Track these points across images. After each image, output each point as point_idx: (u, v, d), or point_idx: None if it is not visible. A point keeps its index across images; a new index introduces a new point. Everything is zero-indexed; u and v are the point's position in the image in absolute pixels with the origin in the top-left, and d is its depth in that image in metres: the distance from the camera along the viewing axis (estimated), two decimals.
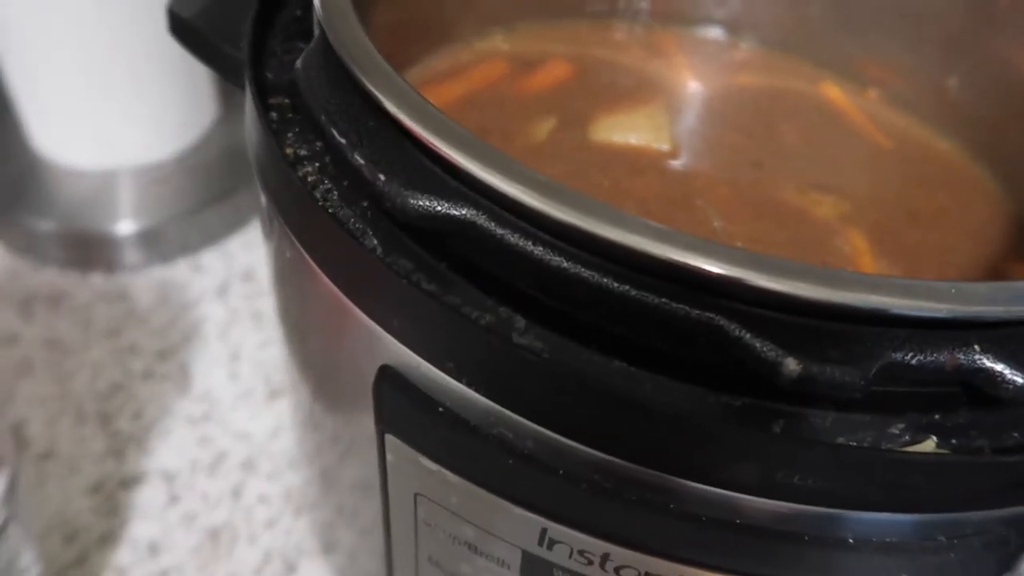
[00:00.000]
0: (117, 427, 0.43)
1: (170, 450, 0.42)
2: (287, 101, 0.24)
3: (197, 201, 0.52)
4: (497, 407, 0.18)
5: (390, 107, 0.19)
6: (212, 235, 0.53)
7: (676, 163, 0.32)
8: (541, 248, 0.17)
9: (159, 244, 0.52)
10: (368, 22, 0.28)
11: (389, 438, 0.19)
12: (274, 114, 0.24)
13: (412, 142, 0.19)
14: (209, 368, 0.46)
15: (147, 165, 0.53)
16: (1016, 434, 0.18)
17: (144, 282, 0.50)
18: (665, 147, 0.32)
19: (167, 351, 0.47)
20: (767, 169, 0.32)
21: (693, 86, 0.37)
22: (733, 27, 0.39)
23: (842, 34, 0.36)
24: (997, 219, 0.31)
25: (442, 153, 0.18)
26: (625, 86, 0.35)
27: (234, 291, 0.51)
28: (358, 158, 0.19)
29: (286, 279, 0.23)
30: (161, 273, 0.51)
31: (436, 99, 0.33)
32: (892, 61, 0.35)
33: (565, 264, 0.17)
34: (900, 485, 0.17)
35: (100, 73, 0.48)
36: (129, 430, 0.43)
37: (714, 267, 0.16)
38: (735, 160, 0.33)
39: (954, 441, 0.18)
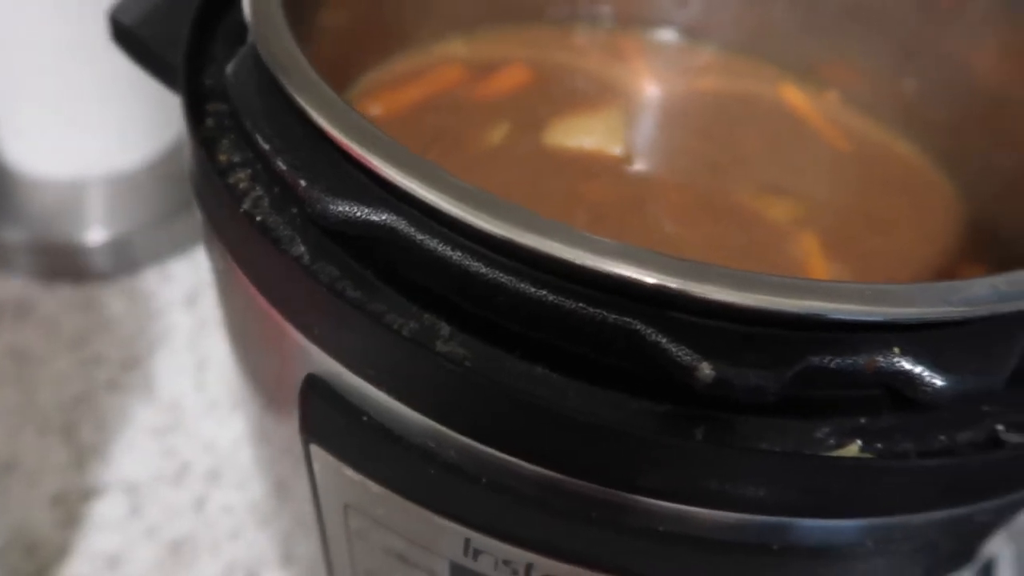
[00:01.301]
0: (80, 438, 0.42)
1: (133, 461, 0.42)
2: (224, 107, 0.24)
3: (166, 209, 0.52)
4: (418, 416, 0.18)
5: (311, 113, 0.18)
6: (181, 243, 0.53)
7: (631, 167, 0.32)
8: (460, 254, 0.17)
9: (128, 253, 0.52)
10: (313, 26, 0.28)
11: (314, 448, 0.19)
12: (211, 120, 0.24)
13: (335, 148, 0.18)
14: (175, 378, 0.46)
15: (116, 173, 0.52)
16: (942, 437, 0.18)
17: (112, 291, 0.50)
18: (619, 151, 0.32)
19: (133, 361, 0.47)
20: (724, 173, 0.32)
21: (652, 90, 0.36)
22: (694, 30, 0.39)
23: (802, 36, 0.36)
24: (953, 223, 0.31)
25: (360, 158, 0.17)
26: (583, 90, 0.35)
27: (203, 300, 0.50)
28: (281, 164, 0.19)
29: (222, 288, 0.23)
30: (129, 282, 0.51)
31: (392, 103, 0.34)
32: (851, 63, 0.35)
33: (484, 270, 0.17)
34: (825, 490, 0.17)
35: (66, 82, 0.48)
36: (92, 441, 0.42)
37: (628, 271, 0.16)
38: (692, 164, 0.33)
39: (879, 445, 0.17)
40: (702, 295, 0.15)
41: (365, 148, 0.17)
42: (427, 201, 0.17)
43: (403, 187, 0.17)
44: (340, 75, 0.32)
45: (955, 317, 0.16)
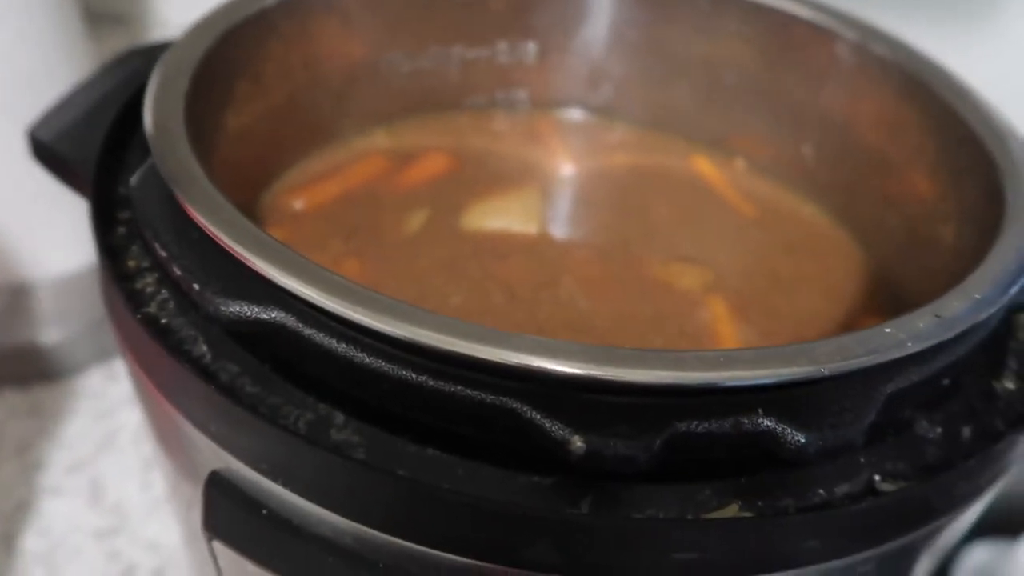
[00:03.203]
0: (23, 546, 0.42)
1: (78, 567, 0.41)
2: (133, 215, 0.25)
3: None
4: (314, 507, 0.18)
5: (202, 221, 0.19)
6: None
7: (546, 245, 0.33)
8: (345, 345, 0.18)
9: (74, 354, 0.52)
10: (224, 132, 0.29)
11: (216, 544, 0.20)
12: (122, 228, 0.25)
13: (225, 253, 0.19)
14: (122, 479, 0.46)
15: (61, 276, 0.53)
16: (821, 491, 0.19)
17: (58, 394, 0.50)
18: (533, 230, 0.33)
19: (78, 463, 0.46)
20: (636, 245, 0.33)
21: (568, 168, 0.38)
22: (607, 110, 0.40)
23: (706, 111, 0.38)
24: (856, 279, 0.32)
25: (245, 260, 0.18)
26: (501, 173, 0.37)
27: None
28: (176, 269, 0.20)
29: (135, 390, 0.24)
30: (75, 383, 0.51)
31: (314, 198, 0.35)
32: (753, 132, 0.37)
33: (368, 360, 0.18)
34: (709, 551, 0.18)
35: (9, 186, 0.49)
36: (35, 549, 0.42)
37: (492, 355, 0.16)
38: (605, 238, 0.34)
39: (759, 503, 0.18)
40: (559, 371, 0.16)
41: (248, 250, 0.18)
42: (305, 297, 0.18)
43: (284, 285, 0.18)
44: (260, 174, 0.33)
45: (804, 377, 0.17)
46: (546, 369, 0.16)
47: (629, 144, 0.40)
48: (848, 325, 0.30)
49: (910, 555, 0.19)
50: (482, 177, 0.37)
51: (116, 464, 0.46)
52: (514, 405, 0.17)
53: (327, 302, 0.17)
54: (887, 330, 0.18)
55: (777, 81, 0.35)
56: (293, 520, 0.19)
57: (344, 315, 0.17)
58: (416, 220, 0.33)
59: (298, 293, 0.18)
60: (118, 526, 0.43)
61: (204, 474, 0.20)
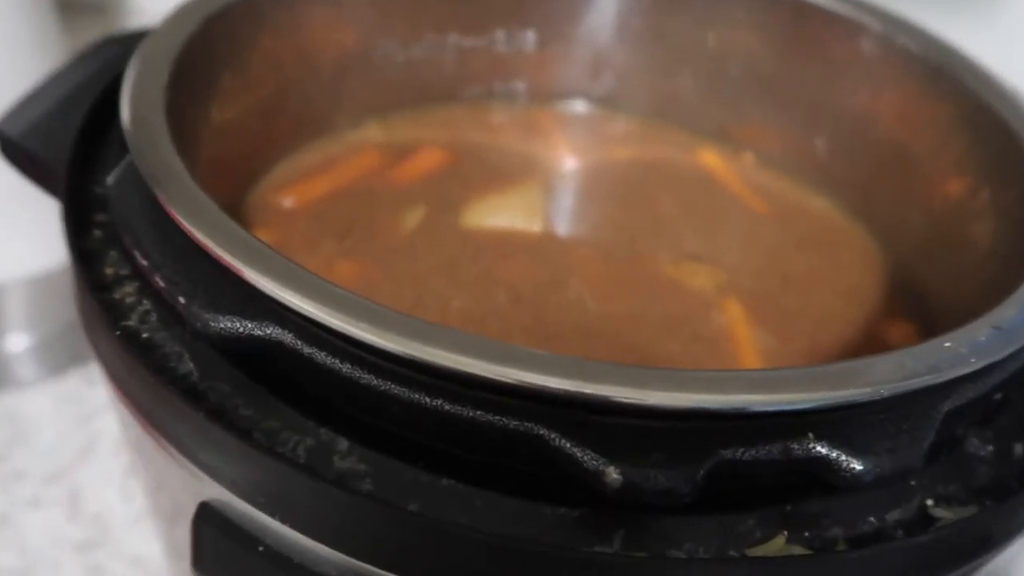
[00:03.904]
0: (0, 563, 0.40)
1: None
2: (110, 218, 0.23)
3: None
4: (317, 544, 0.17)
5: (187, 225, 0.17)
6: None
7: (550, 243, 0.31)
8: (350, 365, 0.16)
9: (51, 358, 0.49)
10: (208, 125, 0.27)
11: None
12: (98, 232, 0.23)
13: (214, 261, 0.17)
14: (102, 488, 0.44)
15: (35, 276, 0.50)
16: (872, 518, 0.17)
17: (35, 399, 0.48)
18: (537, 228, 0.32)
19: (56, 473, 0.44)
20: (644, 242, 0.32)
21: (570, 162, 0.36)
22: (609, 101, 0.39)
23: (713, 101, 0.37)
24: (874, 279, 0.31)
25: (237, 270, 0.16)
26: (500, 168, 0.35)
27: None
28: (159, 280, 0.18)
29: (113, 408, 0.22)
30: (53, 388, 0.48)
31: (305, 194, 0.33)
32: (762, 124, 0.36)
33: (376, 381, 0.16)
34: None
35: None
36: (13, 565, 0.40)
37: (520, 376, 0.15)
38: (611, 236, 0.32)
39: (807, 533, 0.17)
40: (593, 394, 0.14)
41: (241, 260, 0.16)
42: (305, 312, 0.16)
43: (281, 299, 0.16)
44: (245, 170, 0.31)
45: (862, 400, 0.15)
46: (581, 393, 0.14)
47: (632, 137, 0.38)
48: (868, 328, 0.29)
49: None
50: (480, 172, 0.35)
51: (96, 473, 0.44)
52: (541, 431, 0.15)
53: (330, 318, 0.15)
54: (947, 344, 0.16)
55: (789, 72, 0.34)
56: (293, 558, 0.17)
57: (349, 332, 0.15)
58: (413, 218, 0.31)
59: (297, 308, 0.16)
60: (99, 539, 0.41)
61: (192, 506, 0.18)
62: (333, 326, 0.15)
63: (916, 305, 0.29)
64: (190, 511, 0.19)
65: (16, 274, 0.50)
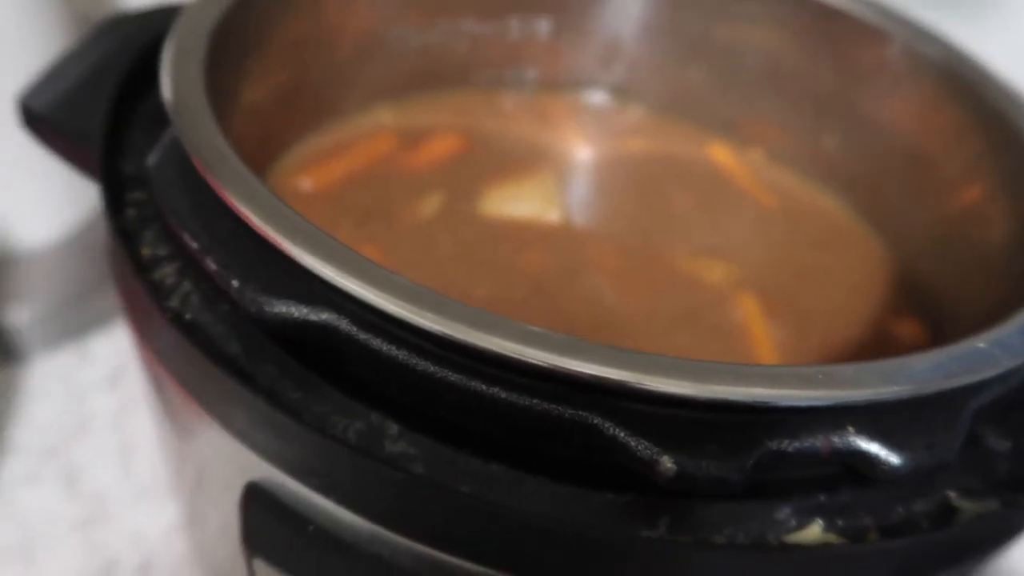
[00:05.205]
0: None
1: (54, 562, 0.39)
2: (146, 196, 0.23)
3: (84, 285, 0.49)
4: (369, 524, 0.17)
5: (243, 210, 0.18)
6: (101, 319, 0.50)
7: (566, 234, 0.32)
8: (406, 353, 0.17)
9: (45, 333, 0.49)
10: (234, 103, 0.27)
11: (258, 563, 0.18)
12: (132, 211, 0.23)
13: (267, 246, 0.18)
14: (99, 464, 0.43)
15: (31, 250, 0.50)
16: (900, 508, 0.18)
17: (29, 375, 0.47)
18: (554, 218, 0.32)
19: (52, 450, 0.44)
20: (658, 236, 0.32)
21: (583, 153, 0.37)
22: (620, 92, 0.39)
23: (725, 96, 0.37)
24: (882, 277, 0.32)
25: (296, 257, 0.17)
26: (514, 156, 0.35)
27: (127, 378, 0.48)
28: (211, 263, 0.18)
29: (153, 391, 0.22)
30: (47, 364, 0.48)
31: (322, 177, 0.33)
32: (773, 121, 0.36)
33: (432, 369, 0.16)
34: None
35: None
36: (9, 543, 0.40)
37: (582, 367, 0.15)
38: (625, 227, 0.33)
39: (840, 522, 0.17)
40: (655, 388, 0.15)
41: (300, 247, 0.17)
42: (368, 302, 0.16)
43: (340, 285, 0.16)
44: (266, 149, 0.31)
45: (904, 397, 0.16)
46: (642, 387, 0.15)
47: (643, 129, 0.38)
48: (876, 325, 0.29)
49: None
50: (494, 159, 0.35)
51: (92, 450, 0.44)
52: (596, 421, 0.16)
53: (395, 307, 0.16)
54: (981, 345, 0.17)
55: (803, 70, 0.34)
56: (344, 538, 0.17)
57: (414, 322, 0.16)
58: (431, 204, 0.32)
59: (358, 296, 0.16)
60: (98, 515, 0.41)
61: (239, 485, 0.19)
62: (397, 315, 0.16)
63: (923, 303, 0.30)
64: (235, 490, 0.19)
65: (9, 247, 0.49)
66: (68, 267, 0.50)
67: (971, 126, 0.28)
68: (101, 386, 0.47)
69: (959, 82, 0.28)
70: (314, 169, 0.32)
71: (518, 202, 0.32)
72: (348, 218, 0.30)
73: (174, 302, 0.20)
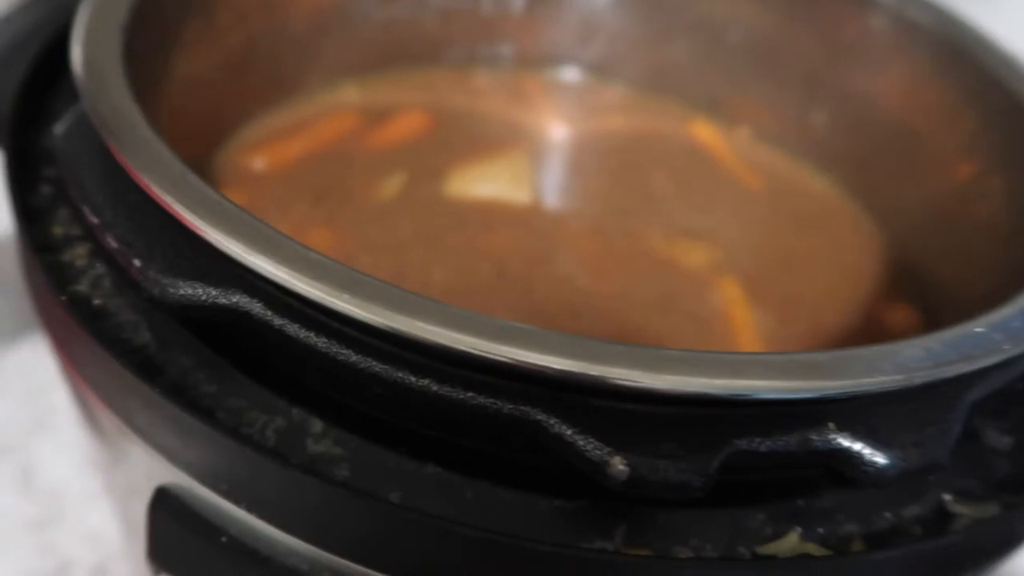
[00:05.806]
0: None
1: (5, 563, 0.37)
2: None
3: None
4: (286, 536, 0.15)
5: (144, 178, 0.16)
6: None
7: (537, 216, 0.30)
8: (326, 340, 0.15)
9: (4, 325, 0.47)
10: (173, 77, 0.25)
11: None
12: (47, 187, 0.21)
13: (174, 221, 0.16)
14: (56, 462, 0.41)
15: None
16: (888, 514, 0.16)
17: None
18: (525, 199, 0.30)
19: (7, 448, 0.42)
20: (635, 217, 0.30)
21: (558, 132, 0.35)
22: (599, 68, 0.37)
23: (708, 73, 0.35)
24: (874, 260, 0.30)
25: (200, 231, 0.15)
26: (485, 135, 0.33)
27: None
28: (111, 240, 0.16)
29: (64, 382, 0.20)
30: (4, 358, 0.46)
31: (277, 156, 0.31)
32: (758, 98, 0.34)
33: (355, 358, 0.14)
34: None
35: None
36: None
37: (519, 355, 0.13)
38: (602, 209, 0.31)
39: (820, 530, 0.15)
40: (601, 378, 0.13)
41: (204, 219, 0.15)
42: (280, 281, 0.14)
43: (249, 264, 0.14)
44: (213, 128, 0.29)
45: (891, 388, 0.14)
46: (585, 375, 0.13)
47: (623, 106, 0.36)
48: (868, 310, 0.27)
49: None
50: (463, 139, 0.33)
51: (50, 447, 0.42)
52: (539, 417, 0.14)
53: (307, 287, 0.14)
54: (978, 330, 0.15)
55: (788, 43, 0.32)
56: (260, 550, 0.15)
57: (329, 304, 0.14)
58: (392, 184, 0.30)
59: (269, 275, 0.14)
60: (53, 515, 0.39)
61: (149, 491, 0.17)
62: (310, 296, 0.14)
63: (916, 288, 0.28)
64: (147, 495, 0.17)
65: None
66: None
67: (968, 97, 0.26)
68: (59, 380, 0.45)
69: (954, 50, 0.26)
70: (268, 147, 0.30)
71: (486, 182, 0.30)
72: (302, 198, 0.28)
73: (83, 285, 0.18)
